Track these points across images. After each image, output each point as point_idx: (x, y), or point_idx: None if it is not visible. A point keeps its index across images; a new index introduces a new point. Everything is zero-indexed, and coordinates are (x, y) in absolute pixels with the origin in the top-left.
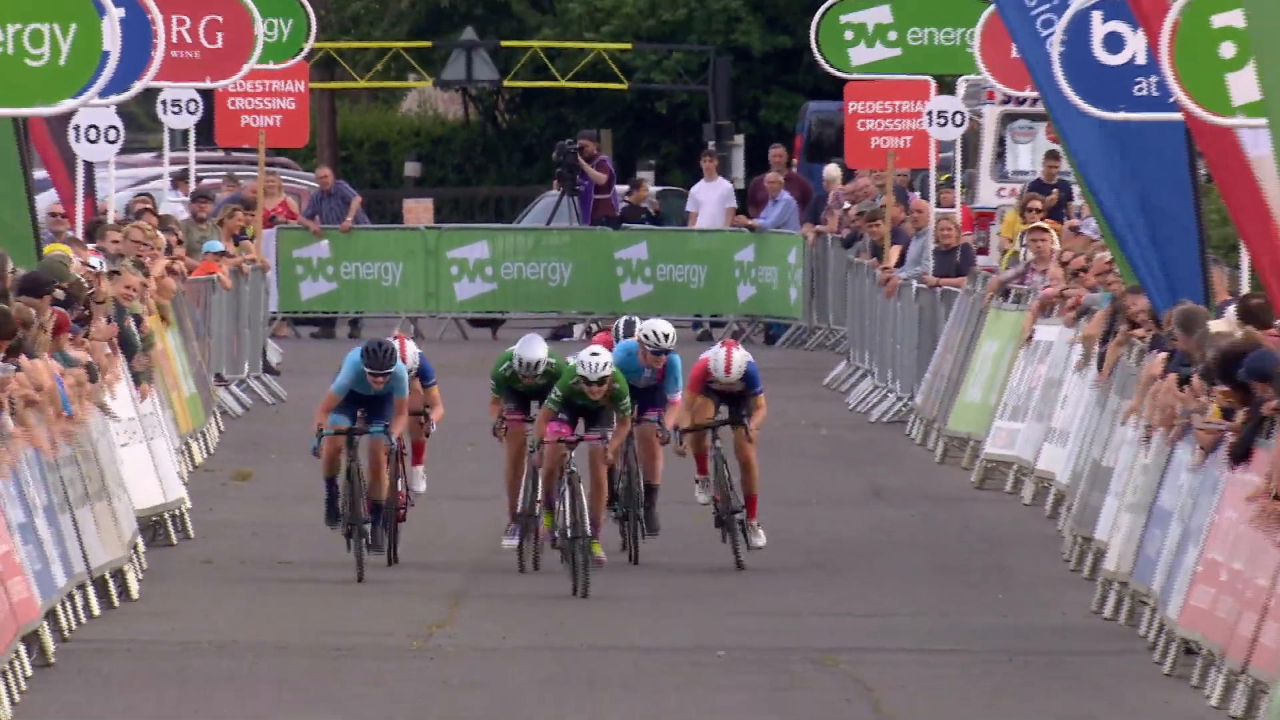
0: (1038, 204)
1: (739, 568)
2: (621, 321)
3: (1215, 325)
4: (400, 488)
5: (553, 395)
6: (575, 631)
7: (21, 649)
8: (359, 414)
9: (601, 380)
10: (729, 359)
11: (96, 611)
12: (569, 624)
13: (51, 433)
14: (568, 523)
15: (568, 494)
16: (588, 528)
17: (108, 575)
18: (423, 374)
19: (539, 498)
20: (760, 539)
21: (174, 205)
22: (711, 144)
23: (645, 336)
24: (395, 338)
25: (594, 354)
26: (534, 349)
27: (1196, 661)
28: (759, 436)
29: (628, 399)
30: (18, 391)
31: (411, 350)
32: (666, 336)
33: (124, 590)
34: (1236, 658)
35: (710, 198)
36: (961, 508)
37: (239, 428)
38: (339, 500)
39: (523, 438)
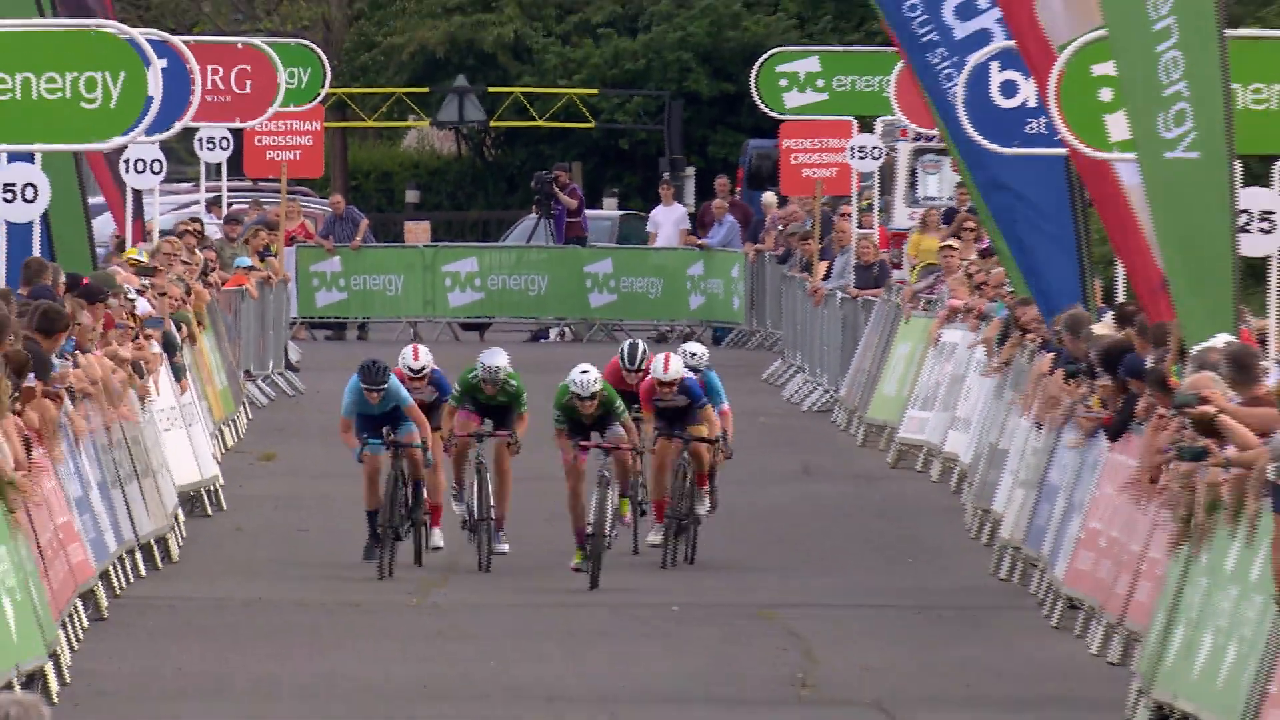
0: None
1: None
2: (626, 346)
3: (1096, 328)
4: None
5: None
6: (556, 592)
7: (79, 605)
8: (385, 431)
9: (593, 395)
10: (667, 361)
11: (143, 573)
12: (550, 586)
13: (106, 419)
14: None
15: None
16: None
17: (153, 542)
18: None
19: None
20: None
21: (209, 227)
22: (667, 174)
23: (685, 354)
24: (413, 346)
25: (584, 371)
26: (497, 357)
27: (1079, 616)
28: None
29: (619, 403)
30: (76, 383)
31: (425, 356)
32: (694, 355)
33: (166, 554)
34: (1114, 612)
35: (667, 220)
36: (879, 484)
37: (264, 416)
38: (379, 527)
39: (468, 441)
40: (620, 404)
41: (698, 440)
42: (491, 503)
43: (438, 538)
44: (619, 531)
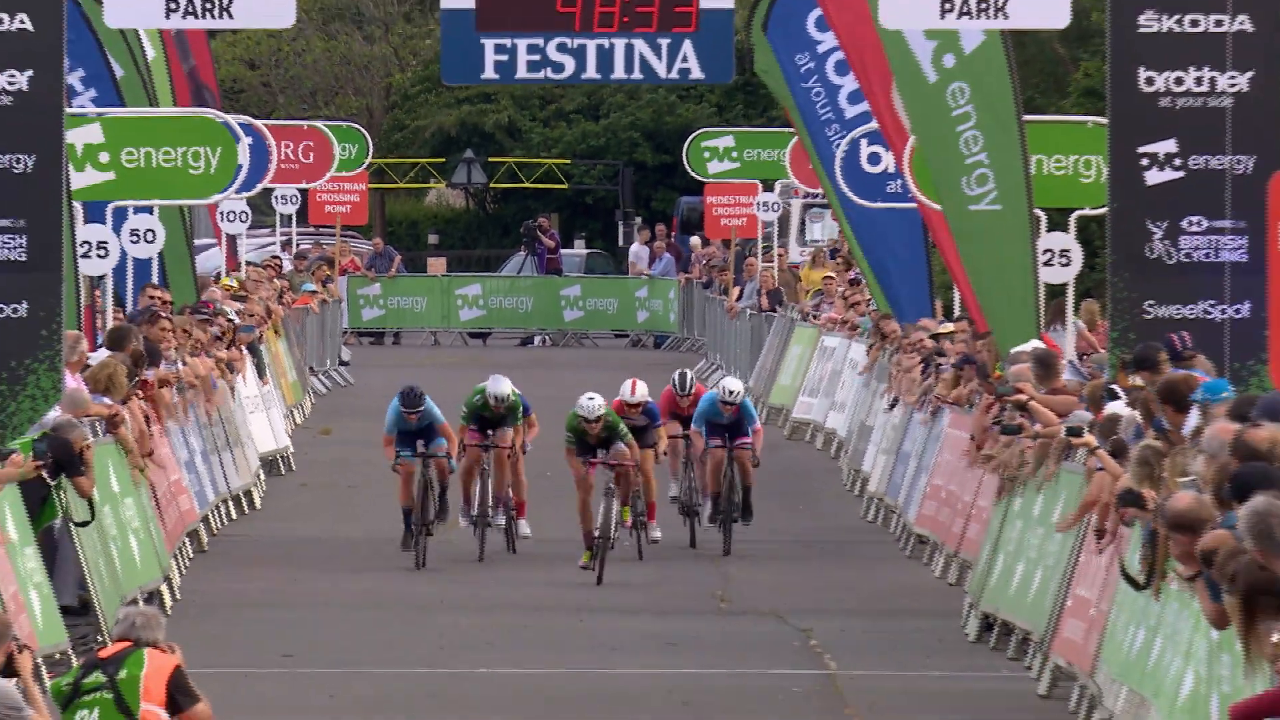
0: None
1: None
2: (676, 376)
3: (944, 326)
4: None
5: (568, 437)
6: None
7: (186, 541)
8: (419, 444)
9: (598, 419)
10: (634, 386)
11: (234, 517)
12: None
13: (207, 406)
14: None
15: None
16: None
17: (240, 494)
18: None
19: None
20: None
21: (284, 262)
22: (637, 221)
23: (724, 390)
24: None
25: (590, 399)
26: (501, 385)
27: (926, 549)
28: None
29: (622, 426)
30: (185, 378)
31: (642, 390)
32: (733, 393)
33: (251, 503)
34: (951, 546)
35: (642, 256)
36: (779, 451)
37: (324, 401)
38: (413, 523)
39: (477, 454)
40: (623, 426)
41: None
42: (496, 496)
43: (524, 528)
44: (619, 535)
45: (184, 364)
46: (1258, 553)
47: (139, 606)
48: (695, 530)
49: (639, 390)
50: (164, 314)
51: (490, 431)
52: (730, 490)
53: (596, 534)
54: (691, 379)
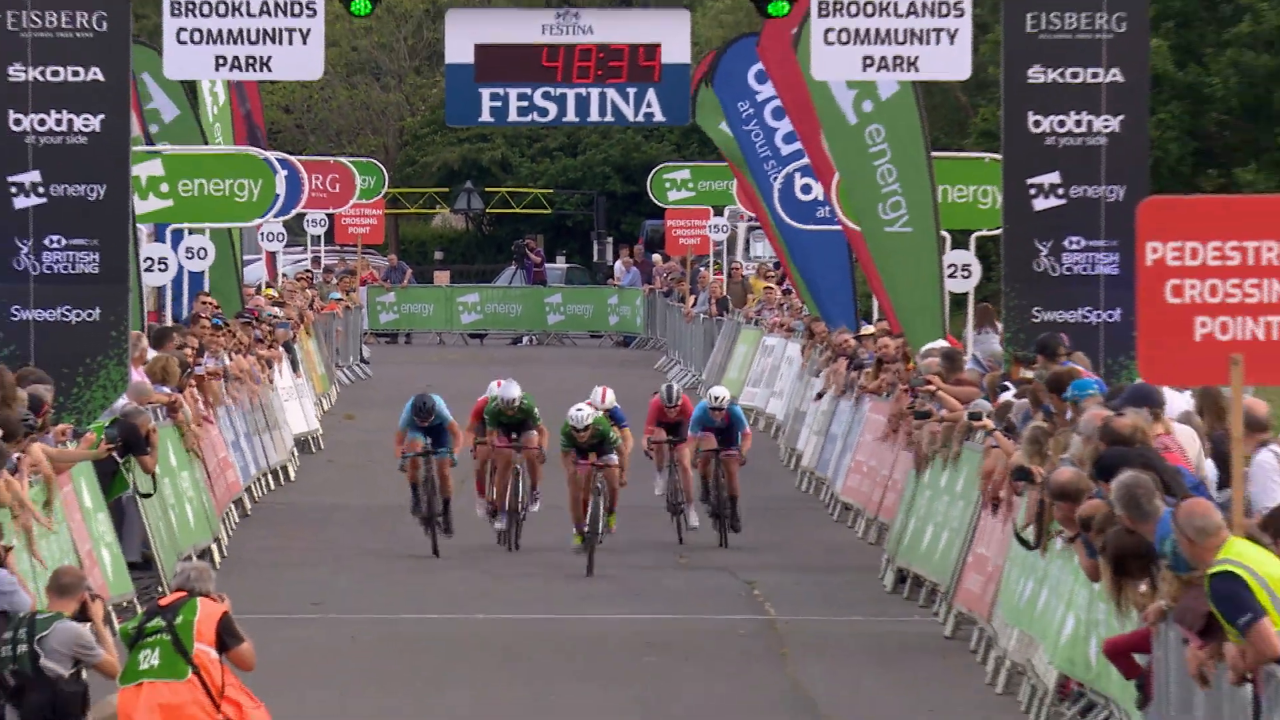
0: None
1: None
2: (664, 388)
3: (865, 329)
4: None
5: (563, 441)
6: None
7: (233, 507)
8: (427, 441)
9: (586, 428)
10: (604, 394)
11: (272, 488)
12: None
13: (249, 395)
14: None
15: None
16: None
17: (278, 468)
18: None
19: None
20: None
21: (314, 275)
22: (609, 240)
23: (711, 398)
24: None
25: (578, 409)
26: (511, 389)
27: (851, 514)
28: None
29: (613, 434)
30: (232, 372)
31: (610, 396)
32: (718, 398)
33: (286, 476)
34: (872, 511)
35: (626, 275)
36: None
37: (347, 391)
38: (420, 501)
39: (508, 456)
40: (614, 434)
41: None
42: (530, 493)
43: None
44: (605, 539)
45: (230, 360)
46: (1126, 519)
47: (193, 562)
48: (681, 528)
49: (608, 398)
50: (204, 315)
51: (515, 435)
52: (718, 489)
53: (585, 528)
54: (678, 391)
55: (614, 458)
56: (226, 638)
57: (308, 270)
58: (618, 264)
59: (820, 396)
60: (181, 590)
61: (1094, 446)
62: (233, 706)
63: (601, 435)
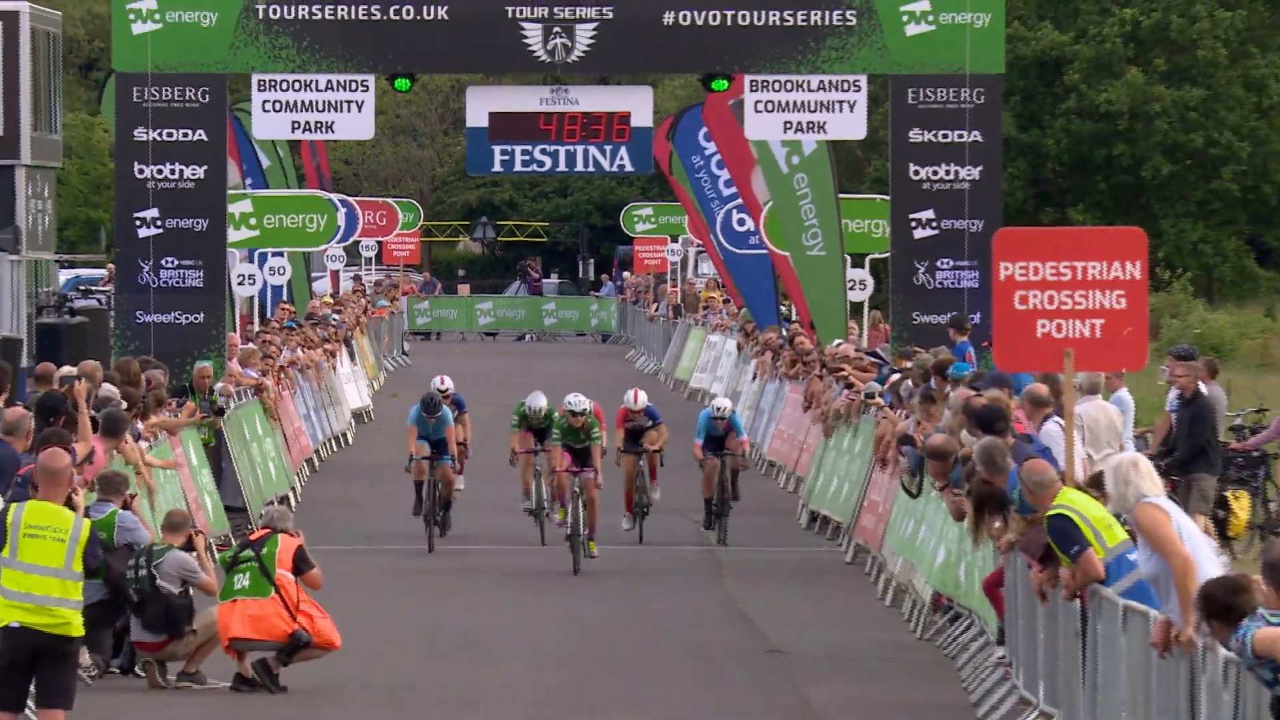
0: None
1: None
2: (630, 393)
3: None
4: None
5: (554, 434)
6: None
7: (305, 465)
8: (431, 451)
9: (582, 412)
10: (636, 394)
11: (334, 450)
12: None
13: (318, 377)
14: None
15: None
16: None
17: (339, 435)
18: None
19: (546, 497)
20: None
21: (366, 288)
22: (591, 264)
23: (714, 409)
24: (633, 391)
25: (575, 396)
26: (538, 400)
27: (775, 470)
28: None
29: (597, 429)
30: (303, 362)
31: (643, 398)
32: (720, 409)
33: (346, 441)
34: (790, 467)
35: (606, 289)
36: (680, 407)
37: (391, 377)
38: (422, 502)
39: (564, 481)
40: (597, 431)
41: (654, 451)
42: (555, 495)
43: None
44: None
45: (302, 353)
46: (984, 474)
47: (275, 506)
48: (643, 530)
49: (640, 398)
50: (280, 320)
51: (541, 442)
52: (723, 491)
53: (568, 534)
54: (637, 394)
55: (590, 474)
56: (301, 564)
57: (362, 284)
58: (606, 286)
59: (754, 380)
60: (267, 527)
61: (961, 419)
62: (305, 618)
63: (589, 430)
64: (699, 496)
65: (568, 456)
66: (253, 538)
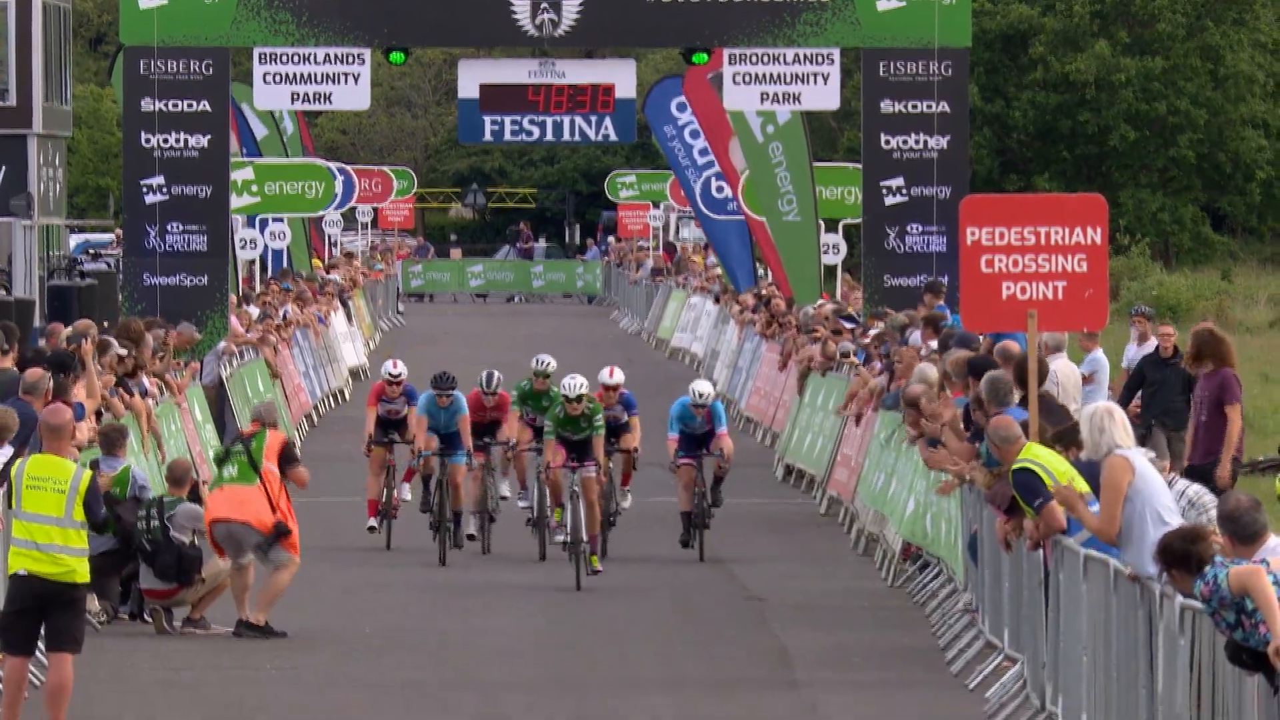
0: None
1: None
2: (482, 375)
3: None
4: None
5: (548, 427)
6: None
7: (304, 420)
8: (439, 448)
9: (579, 398)
10: (612, 370)
11: (332, 405)
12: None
13: (315, 335)
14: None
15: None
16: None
17: (336, 391)
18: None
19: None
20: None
21: (363, 252)
22: (577, 229)
23: (693, 394)
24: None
25: (572, 378)
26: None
27: (753, 427)
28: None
29: (600, 416)
30: (300, 321)
31: (618, 375)
32: (703, 395)
33: (342, 398)
34: (767, 423)
35: (592, 252)
36: (661, 367)
37: (387, 336)
38: (431, 500)
39: (556, 479)
40: (600, 419)
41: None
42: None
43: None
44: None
45: (301, 313)
46: (990, 404)
47: (265, 401)
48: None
49: (616, 374)
50: (277, 282)
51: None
52: (702, 500)
53: (568, 539)
54: (498, 379)
55: (591, 470)
56: (288, 460)
57: (370, 245)
58: (591, 251)
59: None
60: (257, 421)
61: (957, 374)
62: (281, 514)
63: (591, 417)
64: (674, 498)
65: (563, 450)
66: (245, 433)
